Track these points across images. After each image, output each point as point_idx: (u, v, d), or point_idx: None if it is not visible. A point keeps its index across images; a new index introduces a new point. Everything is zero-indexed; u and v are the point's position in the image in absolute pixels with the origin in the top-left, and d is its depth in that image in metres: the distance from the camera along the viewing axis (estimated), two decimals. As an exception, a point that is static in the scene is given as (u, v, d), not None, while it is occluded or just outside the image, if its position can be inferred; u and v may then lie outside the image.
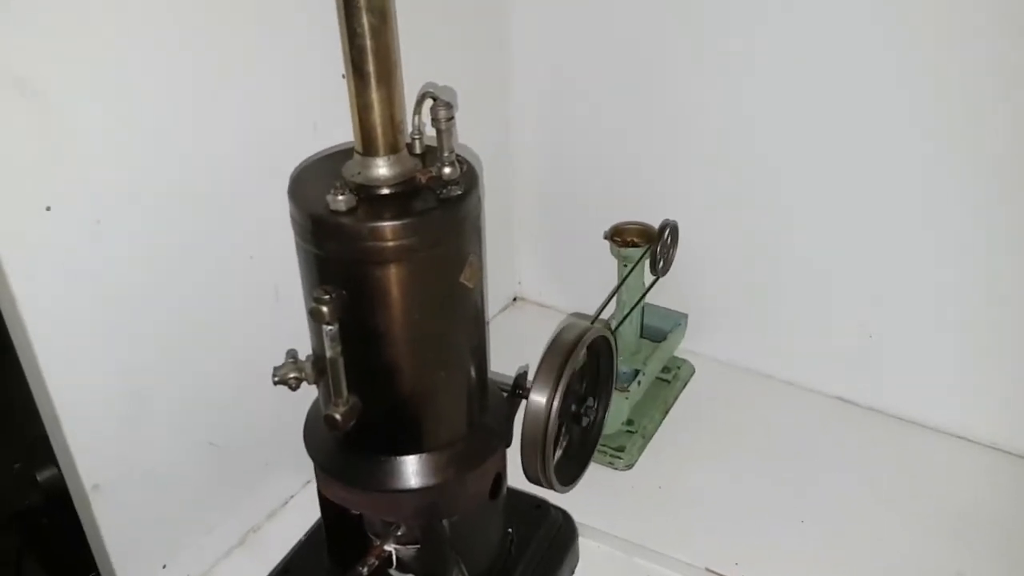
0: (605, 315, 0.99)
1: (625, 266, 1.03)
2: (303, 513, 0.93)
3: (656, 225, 1.04)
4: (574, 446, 0.85)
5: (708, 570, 0.89)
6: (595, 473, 0.87)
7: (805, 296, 1.08)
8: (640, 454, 1.04)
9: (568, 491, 0.83)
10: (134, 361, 0.77)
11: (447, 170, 0.65)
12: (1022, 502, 0.96)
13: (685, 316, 1.15)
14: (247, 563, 0.91)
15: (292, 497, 1.00)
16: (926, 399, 1.06)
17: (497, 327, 1.25)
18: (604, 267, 1.05)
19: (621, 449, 1.03)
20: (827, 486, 0.98)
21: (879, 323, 1.05)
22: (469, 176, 0.67)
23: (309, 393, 0.75)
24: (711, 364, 1.17)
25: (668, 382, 1.13)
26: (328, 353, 0.65)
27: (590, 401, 0.82)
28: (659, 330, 1.12)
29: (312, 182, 0.67)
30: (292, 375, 0.72)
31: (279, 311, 0.88)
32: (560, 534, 0.90)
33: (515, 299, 1.34)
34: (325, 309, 0.63)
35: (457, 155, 0.66)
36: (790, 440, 1.05)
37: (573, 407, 0.80)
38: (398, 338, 0.67)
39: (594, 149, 1.15)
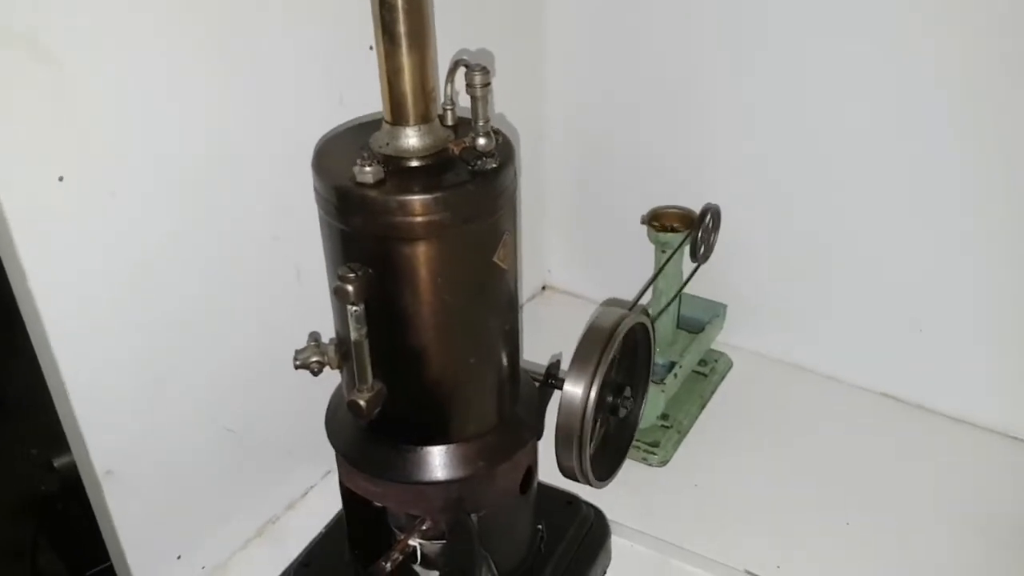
0: (642, 304, 0.94)
1: (663, 252, 0.98)
2: (323, 504, 0.89)
3: (696, 210, 0.99)
4: (610, 439, 0.80)
5: (747, 572, 0.85)
6: (628, 469, 0.82)
7: (851, 287, 1.03)
8: (675, 450, 1.00)
9: (604, 486, 0.78)
10: (150, 343, 0.73)
11: (482, 141, 0.61)
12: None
13: (724, 307, 1.10)
14: (265, 555, 0.88)
15: (312, 487, 0.96)
16: (974, 396, 1.00)
17: (525, 317, 1.20)
18: (639, 255, 1.00)
19: (655, 444, 0.99)
20: (873, 486, 0.93)
21: (929, 317, 1.00)
22: (505, 148, 0.63)
23: (331, 379, 0.71)
24: (750, 357, 1.12)
25: (705, 375, 1.09)
26: (352, 335, 0.62)
27: (627, 391, 0.77)
28: (697, 321, 1.08)
29: (337, 154, 0.63)
30: (314, 359, 0.68)
31: (301, 292, 0.84)
32: (592, 532, 0.86)
33: (544, 288, 1.30)
34: (350, 288, 0.59)
35: (493, 126, 0.62)
36: (833, 437, 1.00)
37: (610, 398, 0.75)
38: (427, 321, 0.63)
39: (632, 130, 1.10)
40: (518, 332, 0.71)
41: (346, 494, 0.76)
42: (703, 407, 1.06)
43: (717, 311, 1.09)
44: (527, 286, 1.27)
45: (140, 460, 0.75)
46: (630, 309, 0.76)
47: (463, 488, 0.69)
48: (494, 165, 0.60)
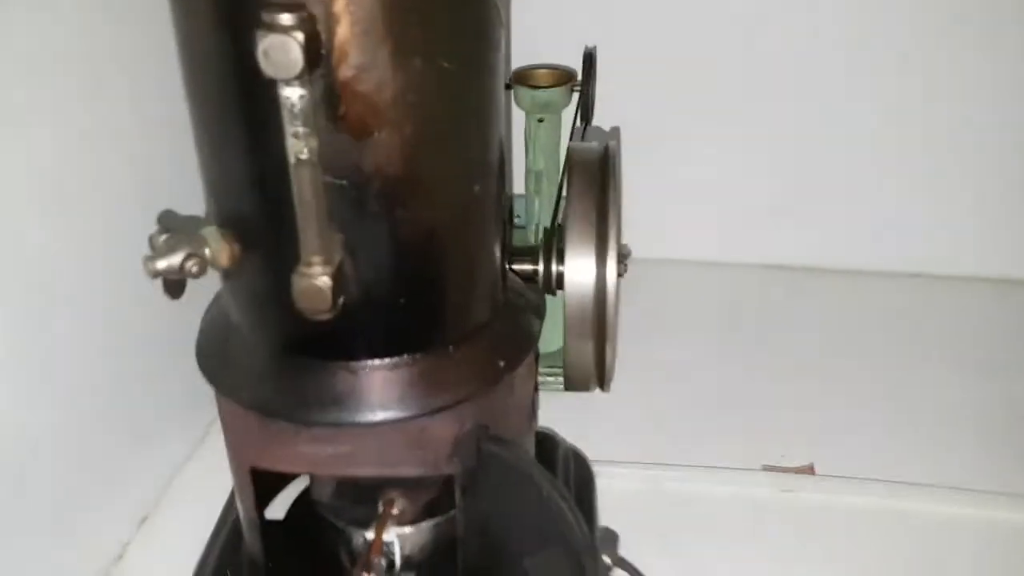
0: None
1: (541, 121, 0.77)
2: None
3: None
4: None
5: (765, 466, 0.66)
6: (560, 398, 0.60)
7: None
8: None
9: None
10: None
11: None
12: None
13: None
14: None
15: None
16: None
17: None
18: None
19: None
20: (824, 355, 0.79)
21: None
22: None
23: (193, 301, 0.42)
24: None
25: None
26: (293, 155, 0.34)
27: (625, 249, 0.55)
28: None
29: None
30: (186, 253, 0.39)
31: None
32: (578, 472, 0.62)
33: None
34: (294, 45, 0.31)
35: None
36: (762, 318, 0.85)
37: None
38: (417, 113, 0.36)
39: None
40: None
41: (245, 486, 0.45)
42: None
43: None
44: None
45: None
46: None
47: (481, 409, 0.43)
48: None
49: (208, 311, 0.47)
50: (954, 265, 0.90)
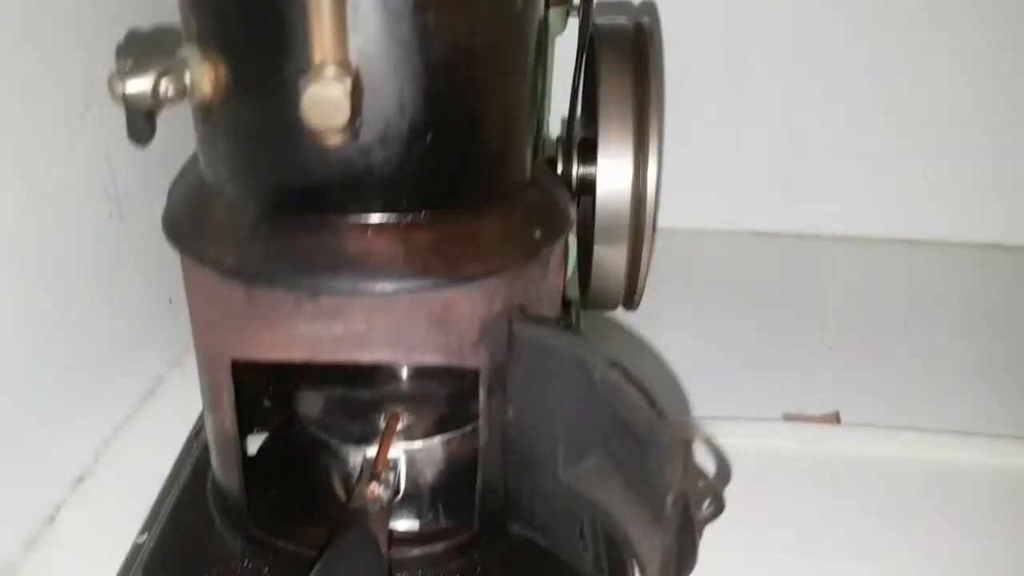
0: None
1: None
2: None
3: None
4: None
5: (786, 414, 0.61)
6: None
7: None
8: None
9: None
10: None
11: None
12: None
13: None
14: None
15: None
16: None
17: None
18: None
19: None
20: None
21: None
22: None
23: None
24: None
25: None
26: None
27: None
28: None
29: None
30: (159, 70, 0.32)
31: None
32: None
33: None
34: None
35: None
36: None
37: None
38: None
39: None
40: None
41: (223, 391, 0.38)
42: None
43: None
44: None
45: None
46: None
47: (512, 288, 0.36)
48: None
49: (175, 185, 0.39)
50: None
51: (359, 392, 0.44)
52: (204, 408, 0.41)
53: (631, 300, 0.46)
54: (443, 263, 0.34)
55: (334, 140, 0.30)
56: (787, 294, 0.78)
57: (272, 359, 0.36)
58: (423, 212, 0.34)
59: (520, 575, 0.40)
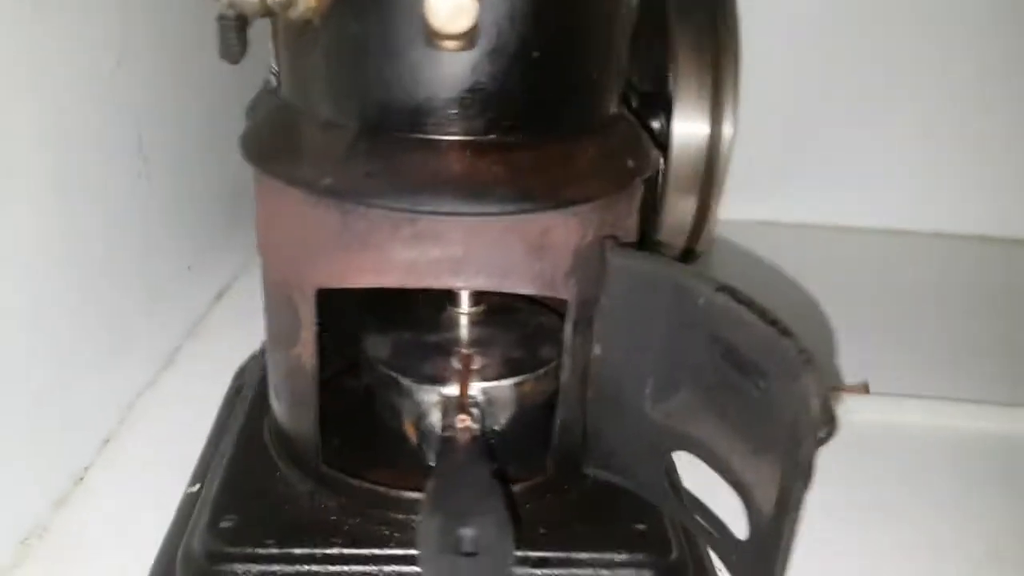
0: None
1: None
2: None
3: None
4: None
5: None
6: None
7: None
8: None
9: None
10: None
11: None
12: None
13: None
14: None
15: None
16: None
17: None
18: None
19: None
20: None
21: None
22: None
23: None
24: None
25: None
26: None
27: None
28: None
29: None
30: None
31: None
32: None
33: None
34: None
35: None
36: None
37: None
38: None
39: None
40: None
41: (305, 322, 0.37)
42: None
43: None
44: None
45: None
46: None
47: (604, 220, 0.36)
48: None
49: (252, 111, 0.38)
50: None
51: (425, 336, 0.43)
52: (272, 346, 0.40)
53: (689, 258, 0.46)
54: (544, 186, 0.34)
55: (451, 46, 0.30)
56: (807, 280, 0.79)
57: (363, 285, 0.35)
58: (524, 134, 0.34)
59: (595, 518, 0.39)
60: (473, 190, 0.33)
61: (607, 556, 0.38)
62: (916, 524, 0.49)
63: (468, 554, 0.27)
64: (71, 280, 0.48)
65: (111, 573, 0.42)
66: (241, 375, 0.54)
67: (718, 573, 0.40)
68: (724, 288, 0.33)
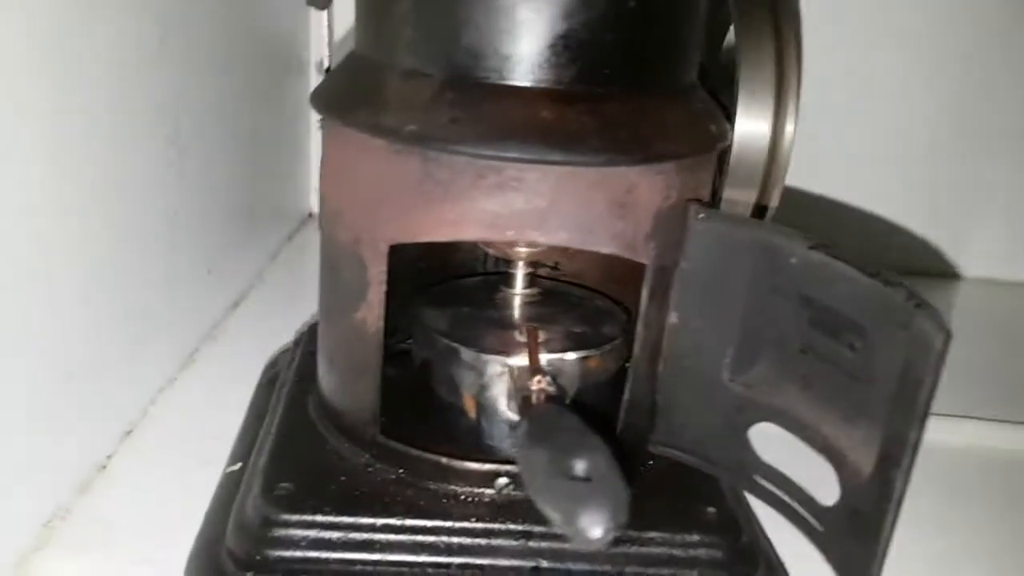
0: None
1: None
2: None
3: None
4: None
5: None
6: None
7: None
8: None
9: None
10: None
11: None
12: None
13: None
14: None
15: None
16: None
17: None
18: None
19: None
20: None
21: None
22: None
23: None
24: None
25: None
26: None
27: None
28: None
29: None
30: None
31: None
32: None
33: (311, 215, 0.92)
34: None
35: None
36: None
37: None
38: None
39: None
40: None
41: (374, 279, 0.35)
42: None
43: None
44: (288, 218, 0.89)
45: None
46: None
47: (686, 182, 0.35)
48: None
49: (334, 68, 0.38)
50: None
51: (483, 312, 0.42)
52: (329, 314, 0.39)
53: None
54: (633, 140, 0.33)
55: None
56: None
57: (441, 239, 0.34)
58: (614, 86, 0.33)
59: (661, 498, 0.38)
60: (562, 139, 0.32)
61: (679, 536, 0.36)
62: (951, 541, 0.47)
63: (583, 479, 0.26)
64: (99, 268, 0.46)
65: (134, 557, 0.40)
66: (273, 366, 0.53)
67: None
68: (819, 244, 0.32)
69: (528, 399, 0.33)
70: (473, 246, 0.48)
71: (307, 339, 0.49)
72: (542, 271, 0.47)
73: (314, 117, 0.84)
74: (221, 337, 0.62)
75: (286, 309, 0.63)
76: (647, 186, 0.34)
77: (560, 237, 0.34)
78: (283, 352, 0.53)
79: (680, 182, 0.35)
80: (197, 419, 0.51)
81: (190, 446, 0.48)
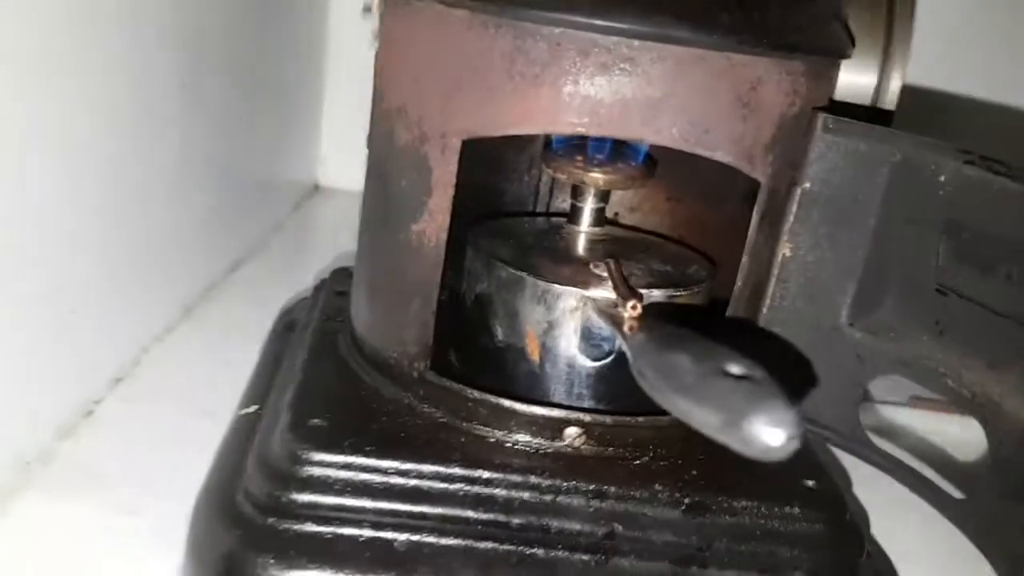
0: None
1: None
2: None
3: None
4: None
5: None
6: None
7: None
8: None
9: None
10: None
11: None
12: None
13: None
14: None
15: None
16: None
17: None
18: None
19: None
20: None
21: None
22: None
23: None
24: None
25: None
26: None
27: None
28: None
29: None
30: None
31: None
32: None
33: (317, 187, 0.87)
34: None
35: None
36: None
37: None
38: None
39: None
40: None
41: (436, 178, 0.30)
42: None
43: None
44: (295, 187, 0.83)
45: None
46: None
47: (811, 92, 0.30)
48: None
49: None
50: None
51: (549, 245, 0.37)
52: (379, 230, 0.33)
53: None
54: (766, 25, 0.28)
55: None
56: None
57: (529, 131, 0.28)
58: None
59: (754, 467, 0.32)
60: (689, 12, 0.27)
61: (777, 508, 0.31)
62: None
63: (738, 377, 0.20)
64: (100, 211, 0.42)
65: (119, 503, 0.36)
66: (288, 313, 0.47)
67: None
68: (976, 159, 0.27)
69: (621, 327, 0.28)
70: (531, 179, 0.43)
71: (331, 281, 0.43)
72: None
73: (329, 79, 0.80)
74: (219, 297, 0.58)
75: (287, 276, 0.58)
76: (774, 85, 0.29)
77: (671, 135, 0.29)
78: (300, 300, 0.48)
79: (806, 88, 0.30)
80: (192, 371, 0.47)
81: (184, 397, 0.45)
